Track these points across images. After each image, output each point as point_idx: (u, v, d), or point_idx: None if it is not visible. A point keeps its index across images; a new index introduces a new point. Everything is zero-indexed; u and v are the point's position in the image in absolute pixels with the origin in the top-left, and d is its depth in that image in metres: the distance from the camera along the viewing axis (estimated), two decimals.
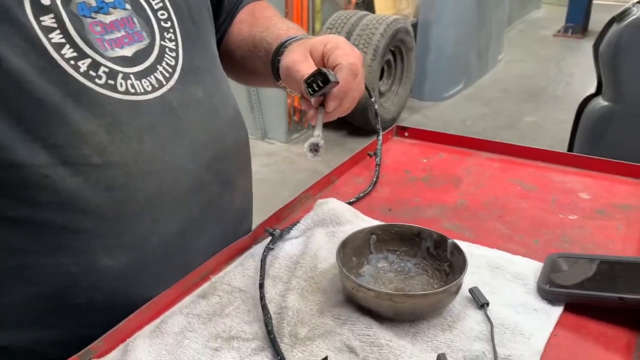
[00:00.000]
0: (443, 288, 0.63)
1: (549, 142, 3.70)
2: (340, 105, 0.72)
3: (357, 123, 3.57)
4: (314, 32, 3.62)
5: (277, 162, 3.41)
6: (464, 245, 0.77)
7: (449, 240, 0.70)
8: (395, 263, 0.74)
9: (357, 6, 3.89)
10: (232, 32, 0.91)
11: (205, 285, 0.71)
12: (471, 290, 0.68)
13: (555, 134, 3.83)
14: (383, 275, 0.72)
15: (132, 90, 0.67)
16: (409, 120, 4.15)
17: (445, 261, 0.71)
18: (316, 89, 0.67)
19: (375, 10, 3.96)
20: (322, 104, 0.71)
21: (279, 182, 3.17)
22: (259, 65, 0.84)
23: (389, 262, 0.74)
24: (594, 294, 0.65)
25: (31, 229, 0.63)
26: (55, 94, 0.60)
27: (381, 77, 3.79)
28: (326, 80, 0.66)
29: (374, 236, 0.74)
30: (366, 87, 0.88)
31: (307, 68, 0.70)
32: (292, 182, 3.16)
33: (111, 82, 0.65)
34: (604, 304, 0.65)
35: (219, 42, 0.92)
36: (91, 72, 0.63)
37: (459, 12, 4.31)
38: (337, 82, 0.69)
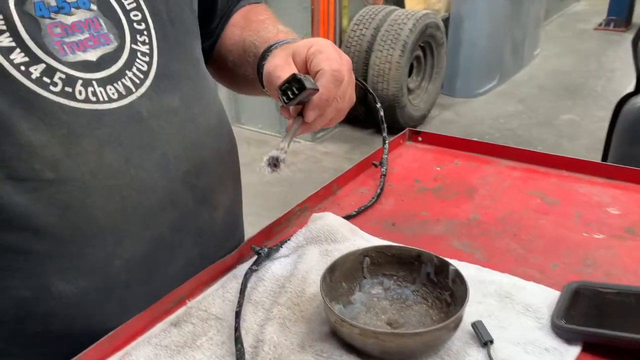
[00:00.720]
0: (438, 326, 0.55)
1: (586, 142, 3.53)
2: (321, 116, 0.64)
3: (385, 121, 3.48)
4: (341, 29, 3.54)
5: (301, 161, 3.35)
6: (472, 269, 0.69)
7: (451, 267, 0.62)
8: (392, 289, 0.66)
9: (386, 1, 3.79)
10: (224, 36, 0.85)
11: (179, 311, 0.65)
12: (474, 325, 0.59)
13: (593, 132, 3.65)
14: (377, 303, 0.65)
15: (94, 99, 0.61)
16: (439, 117, 4.03)
17: (447, 289, 0.63)
18: (291, 96, 0.60)
19: (404, 5, 3.85)
20: (301, 114, 0.64)
21: (304, 181, 3.11)
22: (249, 71, 0.78)
23: (384, 288, 0.66)
24: (619, 334, 0.56)
25: None
26: (3, 103, 0.55)
27: (410, 74, 3.68)
28: (302, 87, 0.59)
29: (367, 259, 0.66)
30: (371, 93, 0.81)
31: (287, 73, 0.63)
32: (317, 181, 3.09)
33: (68, 89, 0.59)
34: (630, 346, 0.56)
35: (212, 47, 0.86)
36: (45, 79, 0.57)
37: (492, 5, 4.15)
38: (316, 90, 0.61)
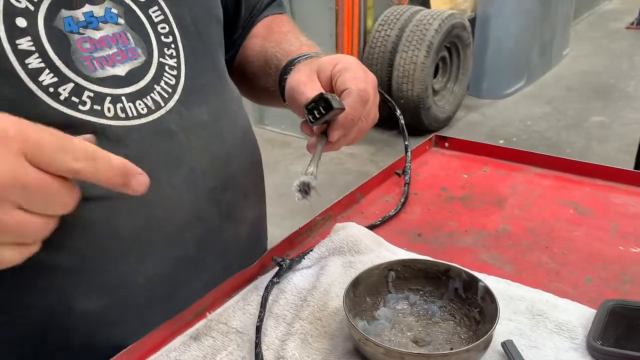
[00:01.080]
0: (467, 347, 0.53)
1: (617, 145, 3.44)
2: (345, 136, 0.63)
3: (409, 122, 3.44)
4: (365, 29, 3.51)
5: (325, 163, 3.32)
6: (501, 284, 0.67)
7: (480, 283, 0.60)
8: (418, 305, 0.64)
9: (412, 1, 3.75)
10: (245, 47, 0.84)
11: (199, 324, 0.63)
12: (504, 345, 0.57)
13: (624, 135, 3.55)
14: (402, 319, 0.62)
15: (122, 115, 0.59)
16: (465, 119, 3.97)
17: (476, 306, 0.60)
18: (318, 116, 0.58)
19: (430, 5, 3.80)
20: (324, 132, 0.62)
21: (327, 184, 3.09)
22: (270, 83, 0.76)
23: (410, 303, 0.64)
24: None
25: None
26: None
27: (435, 75, 3.64)
28: (329, 107, 0.57)
29: (392, 273, 0.64)
30: (390, 102, 0.79)
31: (312, 90, 0.62)
32: (341, 184, 3.08)
33: (97, 107, 0.58)
34: None
35: (233, 58, 0.84)
36: (73, 99, 0.56)
37: (520, 4, 4.08)
38: (342, 109, 0.60)
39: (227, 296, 0.68)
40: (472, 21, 4.02)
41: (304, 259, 0.72)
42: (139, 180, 0.46)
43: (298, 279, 0.69)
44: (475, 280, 0.60)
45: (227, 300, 0.67)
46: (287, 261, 0.70)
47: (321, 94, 0.59)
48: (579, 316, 0.61)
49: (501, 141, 3.49)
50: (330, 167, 3.30)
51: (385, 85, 3.47)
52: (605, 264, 0.72)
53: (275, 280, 0.67)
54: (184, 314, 0.63)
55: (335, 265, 0.71)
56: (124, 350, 0.57)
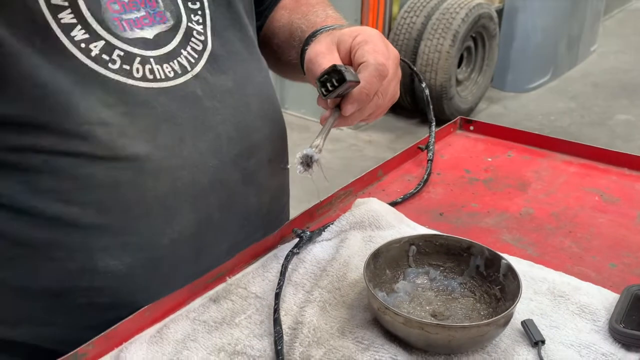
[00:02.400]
0: (488, 321, 0.52)
1: None
2: (360, 111, 0.61)
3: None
4: (391, 16, 3.47)
5: (343, 149, 3.32)
6: (523, 265, 0.66)
7: (503, 261, 0.59)
8: (438, 280, 0.63)
9: None
10: (272, 18, 0.83)
11: (219, 288, 0.64)
12: (524, 323, 0.56)
13: None
14: (421, 293, 0.62)
15: (150, 77, 0.60)
16: (487, 111, 3.92)
17: (497, 284, 0.60)
18: (330, 88, 0.57)
19: None
20: (338, 106, 0.61)
21: (344, 169, 3.08)
22: (293, 55, 0.75)
23: (429, 278, 0.63)
24: None
25: (27, 217, 0.58)
26: (62, 80, 0.55)
27: (460, 65, 3.59)
28: (342, 79, 0.56)
29: (413, 247, 0.64)
30: (415, 72, 0.77)
31: (329, 62, 0.60)
32: (357, 170, 3.06)
33: (126, 66, 0.58)
34: None
35: (259, 29, 0.84)
36: (104, 56, 0.57)
37: None
38: (357, 82, 0.58)
39: (247, 263, 0.68)
40: (500, 12, 3.95)
41: (324, 231, 0.72)
42: None
43: (318, 250, 0.69)
44: (497, 257, 0.60)
45: (246, 266, 0.67)
46: (308, 233, 0.70)
47: (334, 65, 0.57)
48: (601, 300, 0.61)
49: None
50: (347, 154, 3.29)
51: (408, 73, 3.44)
52: (630, 251, 0.71)
53: (295, 250, 0.67)
54: (204, 277, 0.63)
55: (355, 239, 0.70)
56: (144, 307, 0.58)
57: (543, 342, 0.54)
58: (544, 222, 0.77)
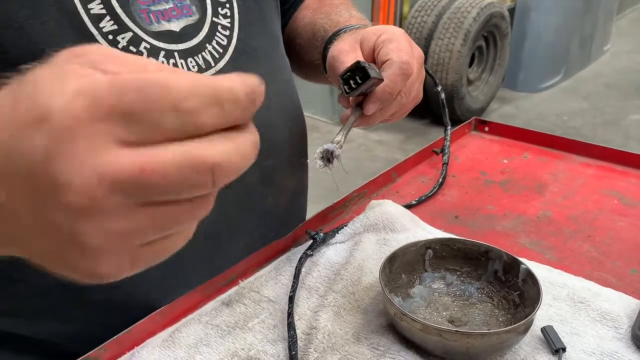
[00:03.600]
0: (508, 328, 0.51)
1: None
2: (383, 110, 0.60)
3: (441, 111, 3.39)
4: (402, 15, 3.45)
5: (353, 149, 3.31)
6: (542, 269, 0.65)
7: (522, 266, 0.58)
8: (454, 285, 0.62)
9: None
10: (295, 18, 0.82)
11: (231, 291, 0.63)
12: (544, 330, 0.55)
13: None
14: (438, 298, 0.61)
15: None
16: (499, 111, 3.89)
17: (516, 289, 0.58)
18: (353, 86, 0.56)
19: None
20: (360, 105, 0.60)
21: (354, 170, 3.07)
22: (316, 56, 0.74)
23: (446, 283, 0.62)
24: None
25: None
26: None
27: (471, 64, 3.56)
28: (365, 77, 0.55)
29: (430, 251, 0.63)
30: (431, 76, 0.76)
31: (353, 60, 0.59)
32: (368, 171, 3.05)
33: (152, 60, 0.58)
34: None
35: (283, 28, 0.83)
36: (131, 48, 0.57)
37: None
38: (380, 80, 0.57)
39: (259, 265, 0.67)
40: (512, 11, 3.92)
41: (338, 233, 0.71)
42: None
43: (331, 253, 0.68)
44: (516, 262, 0.58)
45: (259, 269, 0.67)
46: (321, 235, 0.69)
47: (357, 62, 0.56)
48: (623, 306, 0.59)
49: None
50: (357, 154, 3.27)
51: None
52: None
53: (308, 252, 0.66)
54: (217, 280, 0.63)
55: (370, 242, 0.69)
56: (156, 311, 0.57)
57: (564, 349, 0.53)
58: (562, 226, 0.75)
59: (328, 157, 0.56)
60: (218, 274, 0.63)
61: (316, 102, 3.58)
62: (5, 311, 0.62)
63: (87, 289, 0.60)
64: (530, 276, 0.56)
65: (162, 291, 0.62)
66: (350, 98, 0.60)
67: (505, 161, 0.93)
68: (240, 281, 0.64)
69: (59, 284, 0.60)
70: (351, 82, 0.56)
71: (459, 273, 0.62)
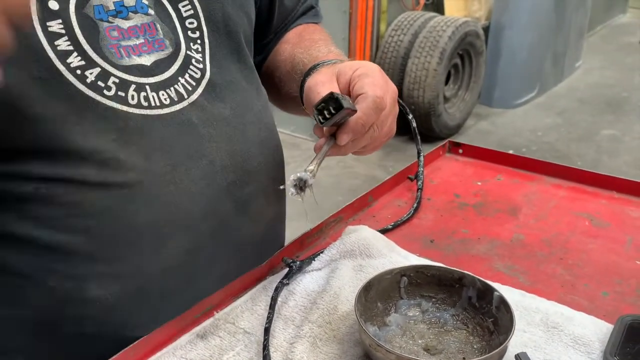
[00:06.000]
0: (482, 357, 0.51)
1: (628, 159, 3.42)
2: (355, 141, 0.61)
3: (420, 129, 3.42)
4: (378, 34, 3.50)
5: (332, 166, 3.32)
6: (515, 294, 0.65)
7: (496, 293, 0.58)
8: (430, 312, 0.62)
9: (426, 7, 3.73)
10: (275, 52, 0.83)
11: (206, 323, 0.62)
12: (518, 357, 0.55)
13: (636, 148, 3.53)
14: (413, 326, 0.61)
15: (145, 104, 0.60)
16: (475, 127, 3.95)
17: (490, 316, 0.59)
18: (327, 116, 0.57)
19: (444, 12, 3.79)
20: (334, 135, 0.60)
21: (332, 187, 3.08)
22: (294, 88, 0.75)
23: (421, 310, 0.63)
24: None
25: (18, 245, 0.58)
26: (57, 108, 0.54)
27: (447, 82, 3.62)
28: (339, 107, 0.56)
29: (405, 278, 0.63)
30: (403, 105, 0.77)
31: (329, 90, 0.60)
32: (347, 187, 3.06)
33: (121, 93, 0.58)
34: None
35: (263, 62, 0.84)
36: (99, 83, 0.57)
37: (534, 15, 4.06)
38: (354, 111, 0.58)
39: (235, 295, 0.67)
40: (486, 30, 4.00)
41: (314, 260, 0.71)
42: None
43: (308, 281, 0.68)
44: (490, 289, 0.59)
45: (234, 299, 0.66)
46: (297, 262, 0.69)
47: (331, 93, 0.57)
48: (595, 331, 0.60)
49: (510, 151, 3.45)
50: (337, 171, 3.28)
51: (398, 88, 3.46)
52: (622, 278, 0.71)
53: (285, 281, 0.66)
54: (191, 311, 0.62)
55: (346, 269, 0.69)
56: (130, 346, 0.56)
57: None
58: (535, 249, 0.76)
59: (301, 186, 0.57)
60: (193, 304, 0.62)
61: (296, 119, 3.59)
62: None
63: (59, 321, 0.59)
64: (503, 303, 0.57)
65: (135, 326, 0.61)
66: (325, 128, 0.60)
67: (479, 183, 0.94)
68: (215, 312, 0.63)
69: (30, 316, 0.59)
70: (325, 112, 0.57)
71: (434, 300, 0.63)
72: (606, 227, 0.81)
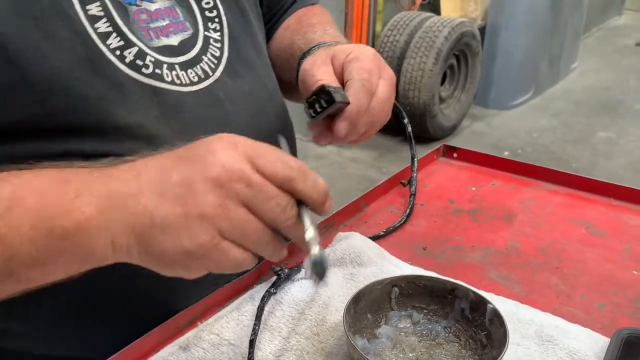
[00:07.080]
0: None
1: (623, 161, 3.41)
2: (352, 129, 0.60)
3: (414, 131, 3.40)
4: (374, 34, 3.48)
5: (326, 166, 3.30)
6: (509, 305, 0.63)
7: (489, 305, 0.56)
8: (421, 324, 0.60)
9: (422, 7, 3.71)
10: (275, 39, 0.84)
11: (189, 334, 0.60)
12: None
13: (631, 151, 3.52)
14: (404, 338, 0.59)
15: (178, 81, 0.62)
16: (470, 128, 3.93)
17: (483, 329, 0.57)
18: (318, 109, 0.55)
19: (440, 12, 3.77)
20: (303, 202, 0.47)
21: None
22: (293, 74, 0.74)
23: (413, 322, 0.60)
24: None
25: None
26: (102, 87, 0.56)
27: (443, 82, 3.60)
28: (331, 100, 0.54)
29: (396, 289, 0.61)
30: (399, 109, 0.75)
31: (323, 74, 0.61)
32: (341, 189, 3.04)
33: (158, 71, 0.60)
34: None
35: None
36: (138, 62, 0.59)
37: (531, 16, 4.04)
38: (347, 103, 0.56)
39: (220, 305, 0.65)
40: (482, 30, 3.99)
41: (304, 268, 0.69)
42: (332, 205, 0.48)
43: (296, 290, 0.66)
44: (483, 301, 0.57)
45: (219, 309, 0.64)
46: (286, 270, 0.67)
47: (322, 86, 0.55)
48: (591, 344, 0.58)
49: (506, 153, 3.45)
50: (331, 171, 3.26)
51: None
52: (618, 288, 0.69)
53: (272, 290, 0.64)
54: (174, 321, 0.60)
55: (336, 277, 0.67)
56: (109, 358, 0.54)
57: None
58: (530, 257, 0.75)
59: (319, 272, 0.48)
60: (172, 317, 0.60)
61: (291, 119, 3.58)
62: (19, 333, 0.62)
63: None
64: (497, 316, 0.55)
65: (178, 299, 0.62)
66: (319, 122, 0.59)
67: (474, 189, 0.92)
68: (199, 323, 0.61)
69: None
70: (316, 106, 0.56)
71: (425, 311, 0.61)
72: (603, 235, 0.80)
